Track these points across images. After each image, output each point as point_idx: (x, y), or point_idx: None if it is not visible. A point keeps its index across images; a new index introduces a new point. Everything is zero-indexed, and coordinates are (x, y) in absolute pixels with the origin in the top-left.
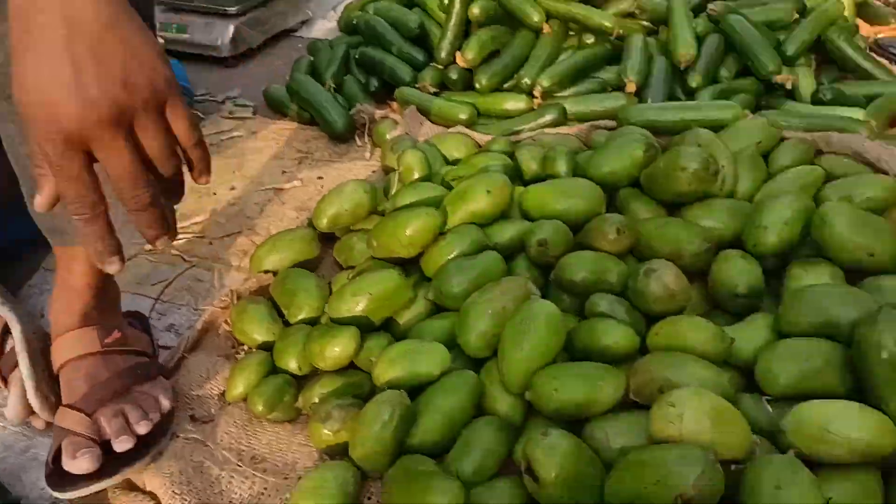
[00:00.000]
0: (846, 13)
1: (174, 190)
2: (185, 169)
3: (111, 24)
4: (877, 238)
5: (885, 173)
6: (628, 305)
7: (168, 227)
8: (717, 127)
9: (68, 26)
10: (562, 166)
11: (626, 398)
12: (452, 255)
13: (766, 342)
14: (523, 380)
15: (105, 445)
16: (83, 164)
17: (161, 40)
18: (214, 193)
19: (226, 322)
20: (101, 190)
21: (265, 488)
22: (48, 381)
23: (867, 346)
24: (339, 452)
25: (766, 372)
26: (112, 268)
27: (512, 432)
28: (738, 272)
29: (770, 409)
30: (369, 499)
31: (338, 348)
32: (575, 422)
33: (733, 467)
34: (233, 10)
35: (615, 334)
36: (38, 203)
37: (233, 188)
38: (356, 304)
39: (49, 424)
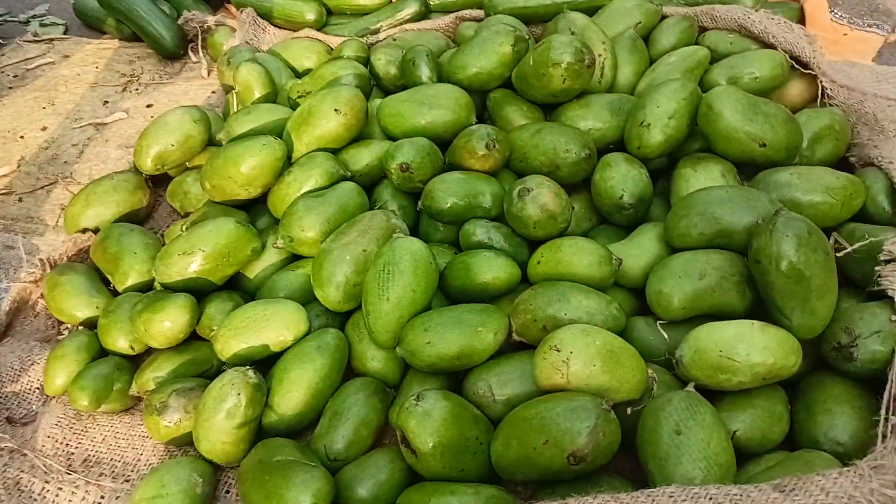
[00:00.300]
0: None
1: None
2: None
3: None
4: (768, 125)
5: (773, 47)
6: (507, 231)
7: None
8: (592, 8)
9: None
10: (423, 71)
11: (510, 339)
12: (301, 192)
13: (656, 258)
14: (393, 333)
15: None
16: None
17: None
18: (21, 137)
19: (42, 298)
20: None
21: (102, 497)
22: None
23: (765, 257)
24: (187, 442)
25: (658, 294)
26: None
27: (388, 393)
28: (622, 179)
29: (666, 335)
30: (227, 492)
31: (168, 323)
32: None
33: (629, 410)
34: None
35: (493, 268)
36: None
37: (44, 128)
38: (187, 265)
39: None
